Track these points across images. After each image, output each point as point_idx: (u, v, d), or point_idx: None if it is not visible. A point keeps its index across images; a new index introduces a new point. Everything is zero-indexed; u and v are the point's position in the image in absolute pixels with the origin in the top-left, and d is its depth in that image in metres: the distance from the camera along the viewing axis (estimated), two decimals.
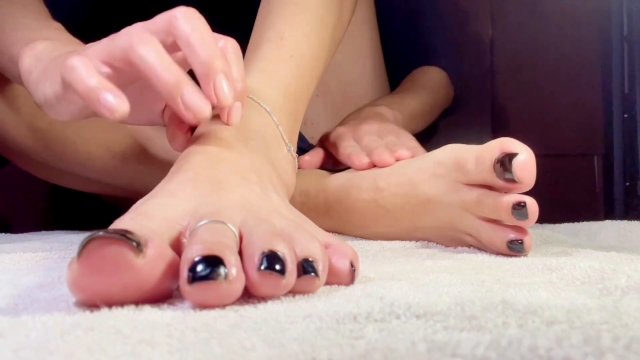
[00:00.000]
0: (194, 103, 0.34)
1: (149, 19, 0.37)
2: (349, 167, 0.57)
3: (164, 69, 0.34)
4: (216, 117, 0.39)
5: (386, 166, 0.52)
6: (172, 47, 0.36)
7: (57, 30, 0.49)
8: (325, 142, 0.63)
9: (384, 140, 0.57)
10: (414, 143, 0.58)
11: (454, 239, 0.47)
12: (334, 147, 0.60)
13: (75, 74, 0.34)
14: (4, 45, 0.48)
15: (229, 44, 0.38)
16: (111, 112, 0.33)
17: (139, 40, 0.34)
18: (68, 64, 0.35)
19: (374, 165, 0.53)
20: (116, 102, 0.34)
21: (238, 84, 0.38)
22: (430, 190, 0.46)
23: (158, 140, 0.61)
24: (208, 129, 0.39)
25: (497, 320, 0.22)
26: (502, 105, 0.95)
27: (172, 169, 0.36)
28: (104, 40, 0.37)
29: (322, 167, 0.63)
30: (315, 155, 0.63)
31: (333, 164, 0.62)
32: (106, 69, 0.35)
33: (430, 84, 0.81)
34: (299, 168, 0.58)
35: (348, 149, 0.57)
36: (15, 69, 0.45)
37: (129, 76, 0.37)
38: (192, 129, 0.41)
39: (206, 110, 0.34)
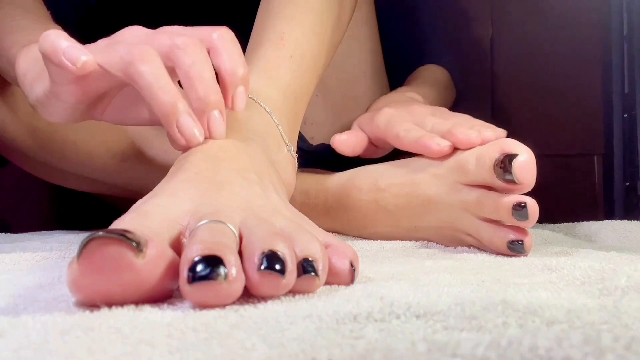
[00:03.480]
0: (188, 130, 0.36)
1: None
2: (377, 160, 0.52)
3: (162, 90, 0.35)
4: None
5: (473, 147, 0.43)
6: (168, 72, 0.36)
7: None
8: (364, 127, 0.54)
9: (449, 122, 0.48)
10: (486, 124, 0.47)
11: (454, 239, 0.47)
12: (385, 132, 0.51)
13: (46, 40, 0.35)
14: (2, 47, 0.48)
15: (226, 33, 0.38)
16: (73, 62, 0.34)
17: (141, 55, 0.35)
18: (42, 35, 0.35)
19: (455, 150, 0.45)
20: (78, 53, 0.35)
21: (239, 69, 0.38)
22: (431, 190, 0.46)
23: (157, 140, 0.61)
24: None
25: (497, 320, 0.22)
26: (502, 105, 0.95)
27: (172, 169, 0.36)
28: (101, 42, 0.37)
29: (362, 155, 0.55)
30: (356, 138, 0.54)
31: (366, 152, 0.55)
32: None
33: (440, 81, 0.81)
34: (330, 148, 0.53)
35: (412, 132, 0.47)
36: (12, 71, 0.45)
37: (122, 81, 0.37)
38: None
39: (199, 139, 0.36)
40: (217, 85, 0.37)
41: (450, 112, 0.53)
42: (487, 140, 0.43)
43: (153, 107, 0.35)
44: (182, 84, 0.37)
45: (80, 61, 0.34)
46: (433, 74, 0.81)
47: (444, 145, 0.44)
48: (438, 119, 0.49)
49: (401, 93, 0.63)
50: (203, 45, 0.37)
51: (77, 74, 0.35)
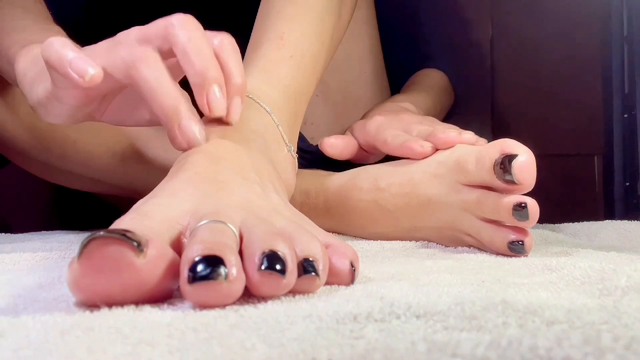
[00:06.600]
0: (190, 134, 0.36)
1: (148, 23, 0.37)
2: (362, 164, 0.54)
3: (164, 93, 0.35)
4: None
5: (452, 145, 0.46)
6: (167, 54, 0.36)
7: (56, 34, 0.49)
8: (356, 133, 0.57)
9: (433, 127, 0.51)
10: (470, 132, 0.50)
11: (454, 239, 0.47)
12: (374, 137, 0.54)
13: (51, 47, 0.35)
14: (2, 47, 0.48)
15: (226, 39, 0.38)
16: (81, 75, 0.34)
17: (142, 57, 0.35)
18: (46, 42, 0.35)
19: (436, 151, 0.47)
20: (86, 65, 0.34)
21: (237, 79, 0.38)
22: (431, 190, 0.46)
23: (157, 140, 0.61)
24: (208, 128, 0.39)
25: (497, 320, 0.22)
26: (502, 105, 0.95)
27: (172, 169, 0.36)
28: (103, 44, 0.37)
29: (350, 159, 0.58)
30: (344, 142, 0.56)
31: (357, 157, 0.58)
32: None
33: (437, 86, 0.81)
34: (320, 151, 0.56)
35: (399, 137, 0.50)
36: (12, 71, 0.45)
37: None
38: None
39: (201, 141, 0.36)
40: (216, 60, 0.36)
41: (438, 121, 0.55)
42: (465, 140, 0.46)
43: (155, 110, 0.35)
44: (179, 61, 0.36)
45: (88, 75, 0.34)
46: (430, 79, 0.81)
47: (427, 146, 0.47)
48: (423, 126, 0.52)
49: (394, 102, 0.65)
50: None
51: (85, 86, 0.35)
